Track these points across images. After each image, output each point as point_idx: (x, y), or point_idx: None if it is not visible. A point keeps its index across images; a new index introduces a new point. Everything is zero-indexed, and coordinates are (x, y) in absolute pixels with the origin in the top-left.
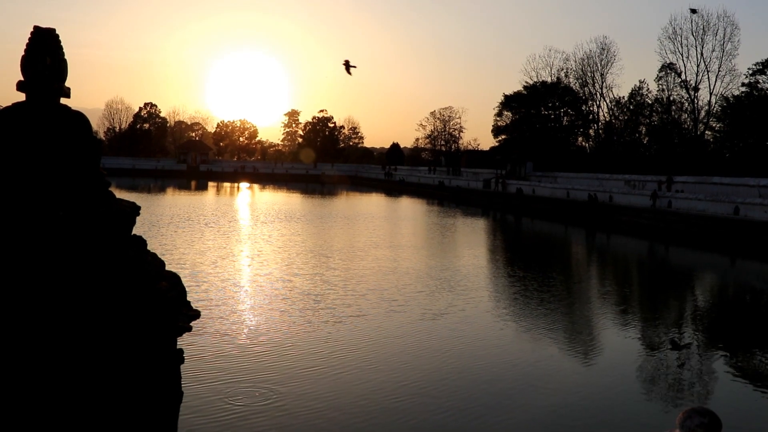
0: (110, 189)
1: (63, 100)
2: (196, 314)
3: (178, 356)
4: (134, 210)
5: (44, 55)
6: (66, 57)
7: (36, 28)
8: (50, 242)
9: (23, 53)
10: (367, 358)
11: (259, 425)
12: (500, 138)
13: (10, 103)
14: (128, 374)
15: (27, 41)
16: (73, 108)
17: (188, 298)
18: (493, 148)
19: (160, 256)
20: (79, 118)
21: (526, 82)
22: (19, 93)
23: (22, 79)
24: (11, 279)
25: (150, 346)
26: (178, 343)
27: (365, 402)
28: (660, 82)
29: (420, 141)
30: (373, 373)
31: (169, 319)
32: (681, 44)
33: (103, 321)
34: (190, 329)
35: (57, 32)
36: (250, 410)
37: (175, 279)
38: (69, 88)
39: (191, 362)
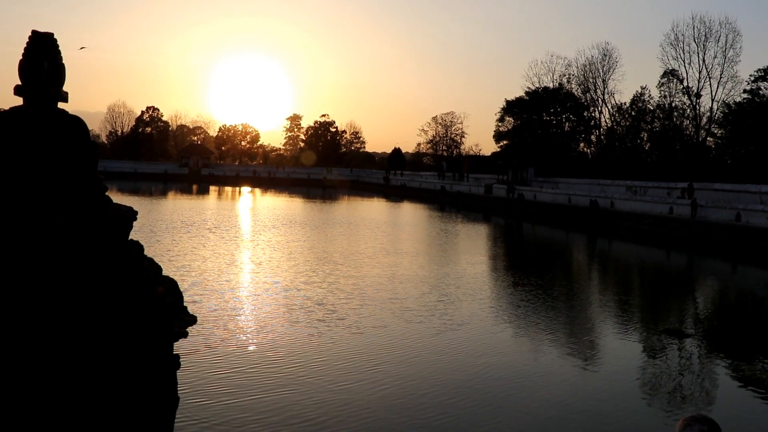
0: (107, 194)
1: (61, 105)
2: (193, 320)
3: (175, 362)
4: (131, 215)
5: (42, 60)
6: (66, 61)
7: (34, 32)
8: (47, 247)
9: (21, 58)
10: (389, 371)
11: None
12: (502, 143)
13: (7, 108)
14: (124, 379)
15: (25, 46)
16: (75, 112)
17: (198, 308)
18: (494, 154)
19: (164, 263)
20: (77, 123)
21: (528, 88)
22: (17, 97)
23: (20, 83)
24: (7, 284)
25: (146, 351)
26: (175, 348)
27: (381, 416)
28: (662, 89)
29: (422, 146)
30: (394, 386)
31: (165, 324)
32: (683, 51)
33: (100, 326)
34: (186, 335)
35: (55, 36)
36: (258, 420)
37: (172, 284)
38: (67, 93)
39: (200, 370)
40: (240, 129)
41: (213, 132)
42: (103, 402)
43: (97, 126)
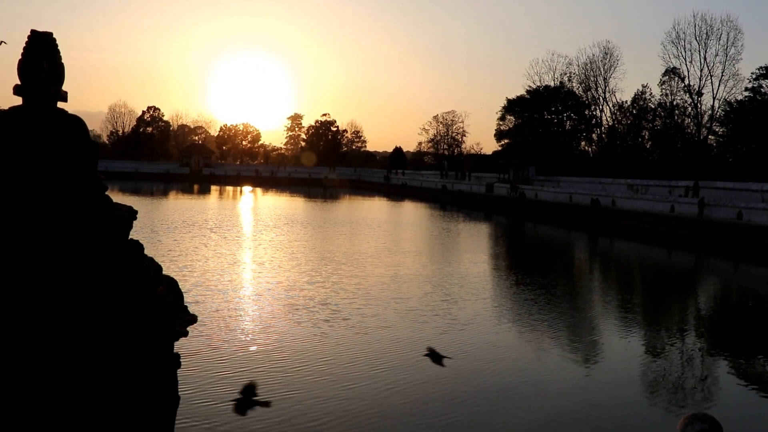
0: (108, 193)
1: (61, 104)
2: (193, 319)
3: (175, 361)
4: (131, 214)
5: (41, 59)
6: (67, 61)
7: (33, 32)
8: (47, 247)
9: (20, 57)
10: (395, 371)
11: None
12: (503, 142)
13: (7, 107)
14: (124, 378)
15: (24, 45)
16: (76, 112)
17: (201, 308)
18: (495, 153)
19: (166, 263)
20: (76, 122)
21: (529, 87)
22: (17, 97)
23: (19, 83)
24: (7, 283)
25: (146, 351)
26: (178, 348)
27: (387, 417)
28: (663, 87)
29: (423, 145)
30: (400, 386)
31: (166, 323)
32: (684, 49)
33: (100, 325)
34: (186, 334)
35: (54, 36)
36: (263, 421)
37: (172, 283)
38: (66, 92)
39: (204, 371)
40: (241, 129)
41: (214, 132)
42: (103, 401)
43: (98, 126)
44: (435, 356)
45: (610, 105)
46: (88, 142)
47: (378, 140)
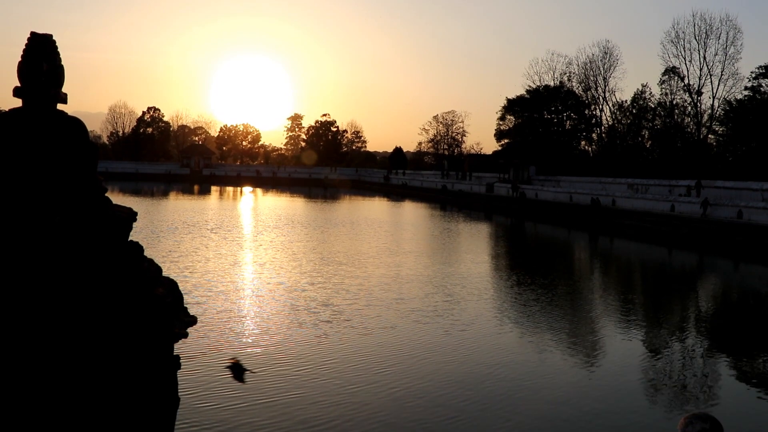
0: (107, 195)
1: (61, 106)
2: (193, 320)
3: (175, 362)
4: (131, 216)
5: (41, 61)
6: (67, 62)
7: (33, 34)
8: (46, 248)
9: (20, 59)
10: (400, 372)
11: None
12: (503, 142)
13: (7, 109)
14: (123, 380)
15: (24, 47)
16: (76, 112)
17: (202, 310)
18: (495, 152)
19: (167, 264)
20: (76, 124)
21: (529, 86)
22: (16, 99)
23: (19, 85)
24: (6, 284)
25: (145, 352)
26: (180, 351)
27: (393, 419)
28: (663, 86)
29: (423, 145)
30: (405, 388)
31: (165, 325)
32: (684, 48)
33: (99, 327)
34: (186, 335)
35: (54, 38)
36: (267, 423)
37: (171, 285)
38: (66, 94)
39: (206, 373)
40: (241, 129)
41: (214, 132)
42: (102, 403)
43: (98, 127)
44: (237, 370)
45: (610, 104)
46: (88, 143)
47: (378, 140)
